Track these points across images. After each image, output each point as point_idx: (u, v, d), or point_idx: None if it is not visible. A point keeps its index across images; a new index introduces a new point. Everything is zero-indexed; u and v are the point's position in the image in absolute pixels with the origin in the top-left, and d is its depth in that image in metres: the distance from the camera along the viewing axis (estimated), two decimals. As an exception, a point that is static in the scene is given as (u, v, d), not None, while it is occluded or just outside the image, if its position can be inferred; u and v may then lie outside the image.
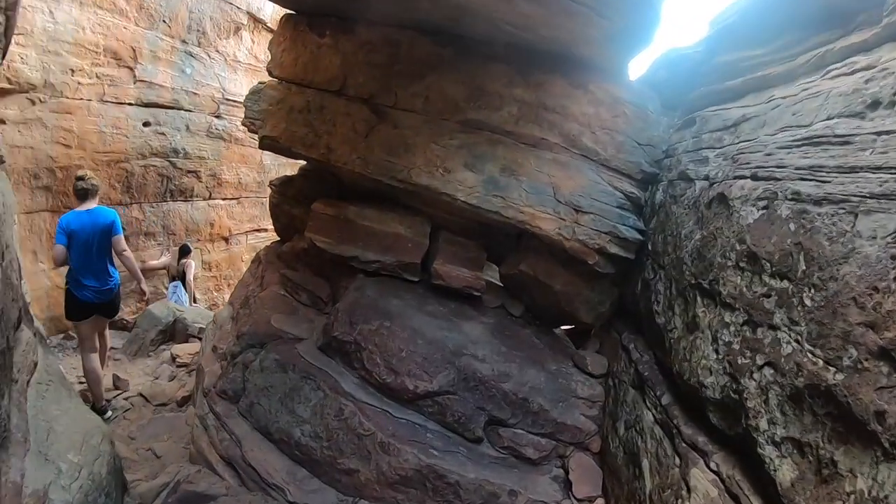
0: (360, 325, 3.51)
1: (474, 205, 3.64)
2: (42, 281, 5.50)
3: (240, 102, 8.10)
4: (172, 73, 6.65)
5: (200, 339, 5.65)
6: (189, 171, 7.43)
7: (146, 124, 6.40)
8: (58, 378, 3.49)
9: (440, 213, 4.12)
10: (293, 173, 5.24)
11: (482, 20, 3.29)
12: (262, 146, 4.42)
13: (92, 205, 4.17)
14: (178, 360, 5.41)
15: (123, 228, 4.45)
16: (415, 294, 3.94)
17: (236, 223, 9.04)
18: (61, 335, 5.80)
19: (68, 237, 4.01)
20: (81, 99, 5.47)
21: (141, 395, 4.70)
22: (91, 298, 4.15)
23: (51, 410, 3.06)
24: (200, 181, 7.75)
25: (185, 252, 7.08)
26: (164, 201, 7.17)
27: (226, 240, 8.87)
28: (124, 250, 4.25)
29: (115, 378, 4.85)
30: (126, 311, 6.60)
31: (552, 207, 3.59)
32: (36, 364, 3.07)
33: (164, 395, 4.68)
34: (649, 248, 3.54)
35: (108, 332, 4.69)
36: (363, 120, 3.93)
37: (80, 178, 4.21)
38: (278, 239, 5.18)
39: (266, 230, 9.83)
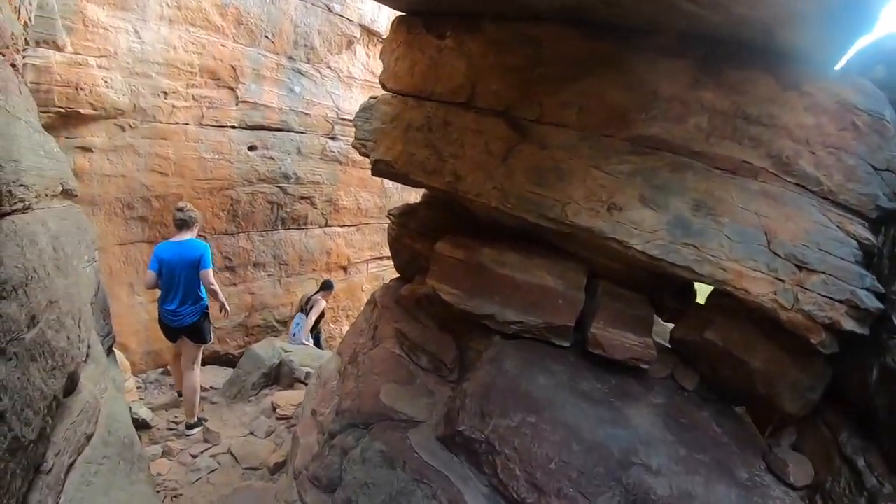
0: (496, 418, 2.67)
1: (655, 256, 2.72)
2: (139, 314, 5.29)
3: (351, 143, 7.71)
4: (279, 93, 6.34)
5: (307, 384, 5.06)
6: (302, 198, 7.07)
7: (252, 148, 6.12)
8: (119, 450, 2.97)
9: (600, 258, 3.22)
10: (417, 200, 4.56)
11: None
12: (376, 172, 3.85)
13: (186, 236, 4.41)
14: (278, 410, 4.83)
15: (215, 263, 4.74)
16: (565, 365, 3.05)
17: (356, 251, 8.59)
18: (160, 370, 5.56)
19: (159, 264, 4.34)
20: (177, 123, 5.25)
21: (231, 453, 4.19)
22: (172, 322, 4.42)
23: (97, 500, 2.50)
24: (315, 207, 7.36)
25: (323, 287, 6.72)
26: (275, 230, 6.84)
27: (344, 269, 8.44)
28: (211, 284, 4.40)
29: (206, 430, 4.35)
30: (232, 345, 6.30)
31: (765, 262, 2.61)
32: (90, 436, 2.68)
33: (255, 457, 4.17)
34: (893, 319, 2.45)
35: (197, 356, 4.68)
36: (499, 138, 3.16)
37: (179, 209, 4.45)
38: (398, 276, 4.53)
39: (389, 258, 9.29)
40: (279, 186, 6.63)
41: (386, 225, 8.98)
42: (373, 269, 9.22)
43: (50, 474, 2.35)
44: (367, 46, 7.99)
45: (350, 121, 7.68)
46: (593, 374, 3.05)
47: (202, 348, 4.68)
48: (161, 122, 5.17)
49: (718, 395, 3.15)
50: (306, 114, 6.79)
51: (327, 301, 6.94)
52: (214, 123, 5.57)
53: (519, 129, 3.17)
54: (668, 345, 3.37)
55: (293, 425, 4.49)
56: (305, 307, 6.62)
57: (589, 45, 3.00)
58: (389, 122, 3.78)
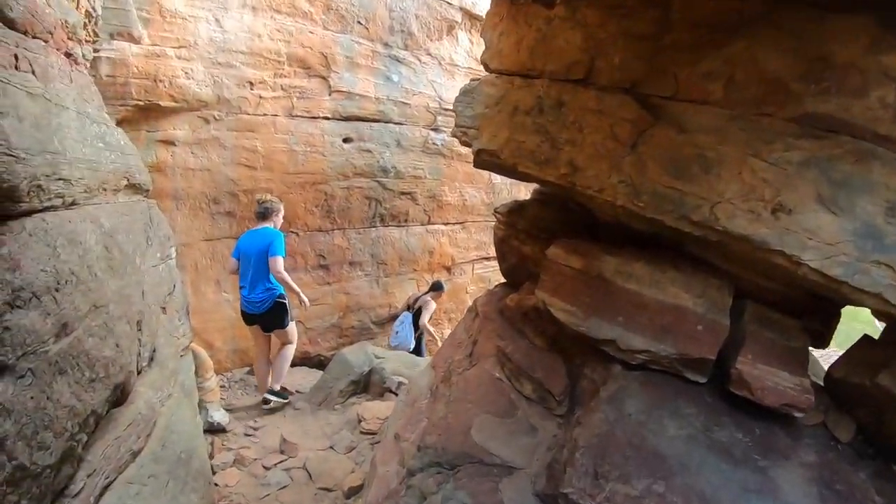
0: (613, 482, 2.14)
1: (836, 277, 2.10)
2: (225, 311, 5.20)
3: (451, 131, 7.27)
4: (375, 82, 6.05)
5: (398, 395, 4.72)
6: (402, 193, 6.75)
7: (347, 140, 5.87)
8: (171, 467, 2.84)
9: (750, 274, 2.64)
10: (527, 197, 4.11)
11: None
12: (478, 164, 3.48)
13: (263, 225, 4.49)
14: (363, 424, 4.50)
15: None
16: (700, 407, 2.47)
17: (460, 251, 8.15)
18: (245, 369, 5.44)
19: (238, 251, 4.54)
20: (265, 115, 5.09)
21: (306, 468, 3.90)
22: (246, 309, 4.55)
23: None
24: (417, 203, 7.01)
25: (434, 287, 6.48)
26: (373, 227, 6.57)
27: (448, 270, 8.03)
28: (279, 272, 4.39)
29: (282, 441, 4.10)
30: (324, 347, 6.11)
31: None
32: (138, 453, 2.50)
33: (331, 477, 3.82)
34: None
35: (286, 345, 4.80)
36: (626, 120, 2.65)
37: (258, 201, 4.57)
38: (505, 281, 4.12)
39: (496, 258, 8.78)
40: (377, 181, 6.35)
41: (493, 223, 8.53)
42: (478, 271, 8.75)
43: (77, 498, 2.10)
44: (470, 32, 7.52)
45: (454, 111, 7.27)
46: (733, 420, 2.43)
47: (289, 330, 4.71)
48: (248, 114, 5.03)
49: (876, 451, 2.49)
50: (406, 104, 6.45)
51: (437, 303, 6.65)
52: (306, 114, 5.38)
53: (650, 109, 2.63)
54: (816, 381, 2.66)
55: (377, 442, 4.13)
56: (413, 306, 6.34)
57: (734, 2, 2.40)
58: (493, 106, 3.35)
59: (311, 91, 5.37)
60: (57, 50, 2.68)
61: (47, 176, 2.08)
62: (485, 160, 3.39)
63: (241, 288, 4.57)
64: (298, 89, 5.26)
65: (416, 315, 6.39)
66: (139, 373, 2.84)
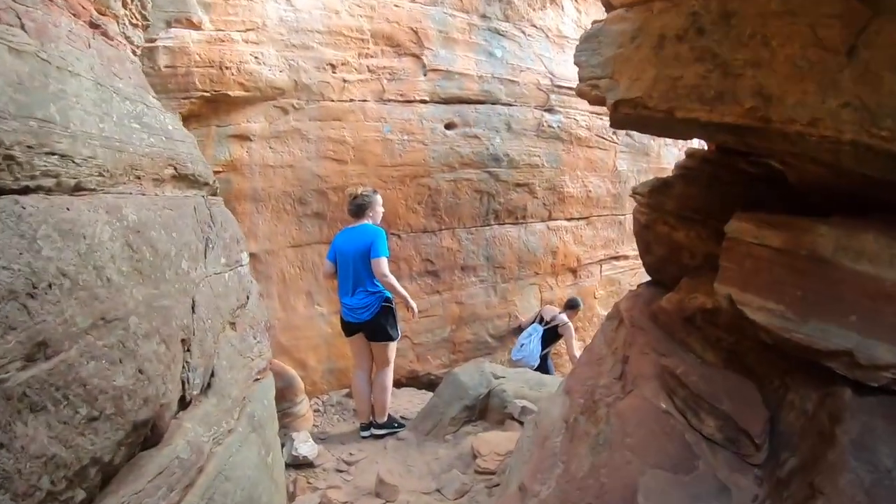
0: None
1: None
2: (319, 327, 4.72)
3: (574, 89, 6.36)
4: (476, 58, 5.36)
5: (522, 424, 3.95)
6: (518, 185, 5.98)
7: (450, 126, 5.22)
8: None
9: None
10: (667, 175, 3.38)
11: None
12: (618, 121, 2.86)
13: (360, 222, 4.08)
14: (478, 460, 3.79)
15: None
16: None
17: (586, 250, 7.25)
18: (343, 391, 4.91)
19: (334, 253, 4.13)
20: (352, 100, 4.58)
21: None
22: (348, 318, 4.14)
23: None
24: (535, 196, 6.21)
25: (570, 305, 6.01)
26: (486, 225, 5.86)
27: (573, 272, 7.14)
28: (384, 275, 3.95)
29: (379, 481, 3.47)
30: (434, 365, 5.44)
31: None
32: None
33: None
34: None
35: (382, 369, 4.28)
36: (832, 17, 1.88)
37: (351, 196, 4.12)
38: (649, 279, 3.50)
39: (626, 257, 7.79)
40: (488, 171, 5.62)
41: (621, 217, 7.45)
42: (607, 272, 7.80)
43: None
44: (577, 0, 6.60)
45: (569, 88, 6.38)
46: None
47: (391, 347, 4.20)
48: (332, 101, 4.54)
49: None
50: (513, 81, 5.69)
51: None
52: (399, 98, 4.81)
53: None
54: None
55: (495, 485, 3.36)
56: (547, 321, 5.79)
57: None
58: (629, 44, 2.70)
59: (402, 71, 4.79)
60: (74, 15, 2.27)
61: (29, 147, 1.62)
62: (626, 115, 2.70)
63: (340, 293, 4.15)
64: (388, 70, 4.71)
65: (548, 332, 5.82)
66: (187, 404, 2.33)
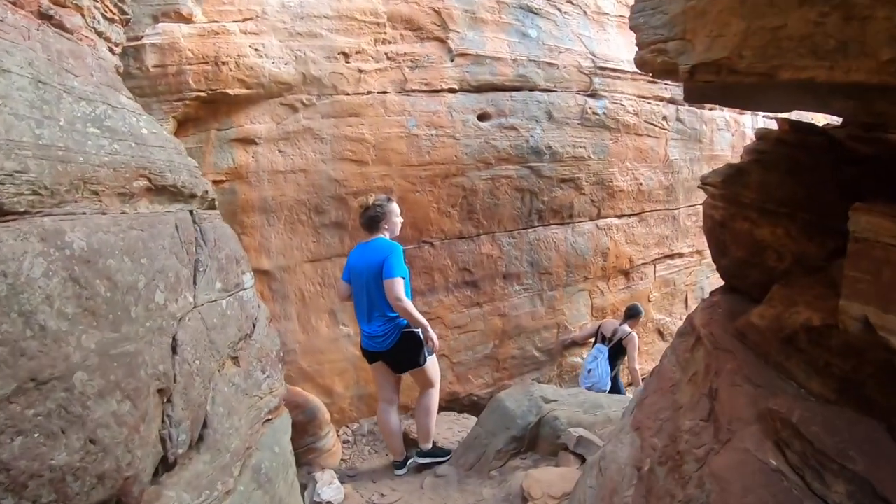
0: None
1: None
2: (345, 349, 4.30)
3: (620, 71, 5.78)
4: (509, 39, 4.85)
5: (580, 457, 3.53)
6: (563, 180, 5.45)
7: (483, 117, 4.73)
8: None
9: None
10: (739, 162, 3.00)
11: None
12: (694, 91, 2.54)
13: (376, 235, 3.64)
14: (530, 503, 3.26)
15: (409, 267, 3.69)
16: None
17: (639, 250, 6.68)
18: (372, 420, 4.43)
19: (349, 272, 3.72)
20: (370, 93, 4.12)
21: None
22: (367, 346, 3.69)
23: None
24: (582, 193, 5.67)
25: (632, 314, 5.56)
26: (530, 227, 5.34)
27: (626, 275, 6.59)
28: (398, 299, 3.42)
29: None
30: (476, 385, 4.94)
31: None
32: None
33: None
34: None
35: (426, 390, 3.82)
36: None
37: (361, 207, 3.66)
38: (724, 285, 3.11)
39: (681, 255, 7.17)
40: (529, 167, 5.11)
41: (675, 212, 6.76)
42: (661, 273, 7.20)
43: None
44: None
45: (613, 70, 5.81)
46: None
47: (428, 369, 3.71)
48: (347, 94, 4.07)
49: None
50: (551, 64, 5.15)
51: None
52: (424, 88, 4.35)
53: None
54: None
55: (553, 539, 2.85)
56: (610, 338, 5.33)
57: None
58: None
59: (426, 58, 4.33)
60: (12, 3, 1.91)
61: None
62: (706, 82, 2.27)
63: (358, 319, 3.73)
64: (409, 57, 4.25)
65: (614, 350, 5.37)
66: (171, 465, 1.94)
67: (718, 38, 2.09)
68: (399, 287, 3.39)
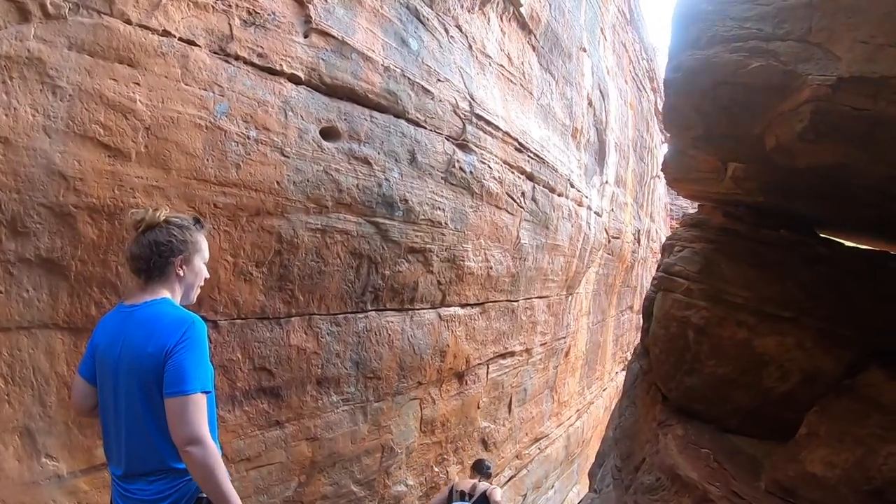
0: None
1: None
2: (52, 499, 2.16)
3: (494, 126, 4.74)
4: (385, 40, 3.40)
5: None
6: (412, 250, 4.00)
7: (329, 134, 3.12)
8: None
9: None
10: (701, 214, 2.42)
11: None
12: (826, 123, 1.76)
13: (156, 293, 1.84)
14: None
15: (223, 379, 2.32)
16: None
17: (477, 347, 5.54)
18: None
19: (93, 366, 1.87)
20: (167, 34, 2.17)
21: None
22: None
23: None
24: (430, 270, 4.29)
25: (482, 470, 4.49)
26: (361, 311, 3.74)
27: (460, 377, 5.35)
28: (192, 441, 1.64)
29: None
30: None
31: None
32: None
33: None
34: None
35: None
36: None
37: (139, 223, 1.83)
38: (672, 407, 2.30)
39: (513, 353, 6.39)
40: (375, 224, 3.55)
41: (515, 304, 5.81)
42: (493, 374, 6.18)
43: None
44: (502, 18, 5.20)
45: (487, 123, 4.72)
46: None
47: None
48: (126, 22, 2.04)
49: None
50: (427, 91, 3.81)
51: None
52: (256, 60, 2.46)
53: None
54: None
55: None
56: (468, 494, 4.23)
57: None
58: None
59: (271, 16, 2.56)
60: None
61: None
62: (852, 109, 1.55)
63: (107, 458, 1.93)
64: (247, 4, 2.44)
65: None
66: None
67: (885, 48, 1.50)
68: (197, 414, 1.66)
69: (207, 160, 2.38)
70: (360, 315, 3.73)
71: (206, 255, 1.99)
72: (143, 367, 1.70)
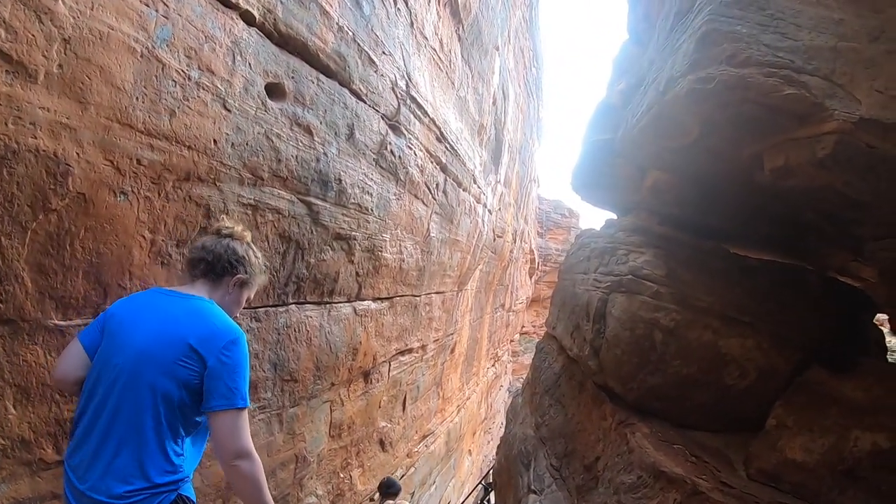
0: None
1: None
2: None
3: (423, 111, 4.38)
4: (341, -2, 2.90)
5: None
6: (338, 237, 3.50)
7: (275, 92, 2.54)
8: None
9: None
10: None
11: None
12: (841, 158, 1.88)
13: (203, 287, 1.80)
14: None
15: None
16: None
17: (383, 344, 5.18)
18: None
19: (94, 345, 1.68)
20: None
21: None
22: None
23: None
24: (351, 260, 3.82)
25: (394, 491, 4.57)
26: (282, 305, 3.18)
27: (366, 376, 4.93)
28: (241, 455, 1.62)
29: None
30: None
31: None
32: None
33: None
34: None
35: None
36: None
37: (218, 233, 1.89)
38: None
39: (411, 350, 6.07)
40: (308, 203, 2.99)
41: (418, 300, 5.59)
42: (395, 372, 5.82)
43: None
44: (439, 3, 4.87)
45: (418, 107, 4.30)
46: None
47: None
48: None
49: None
50: (372, 62, 3.33)
51: None
52: None
53: None
54: None
55: None
56: None
57: None
58: (867, 41, 1.84)
59: None
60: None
61: None
62: (866, 147, 1.79)
63: (67, 456, 1.59)
64: None
65: None
66: None
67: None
68: (246, 429, 1.62)
69: (137, 98, 1.74)
70: (282, 309, 3.17)
71: (252, 295, 1.96)
72: (171, 352, 1.56)
